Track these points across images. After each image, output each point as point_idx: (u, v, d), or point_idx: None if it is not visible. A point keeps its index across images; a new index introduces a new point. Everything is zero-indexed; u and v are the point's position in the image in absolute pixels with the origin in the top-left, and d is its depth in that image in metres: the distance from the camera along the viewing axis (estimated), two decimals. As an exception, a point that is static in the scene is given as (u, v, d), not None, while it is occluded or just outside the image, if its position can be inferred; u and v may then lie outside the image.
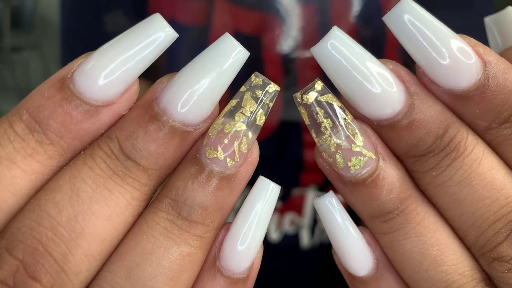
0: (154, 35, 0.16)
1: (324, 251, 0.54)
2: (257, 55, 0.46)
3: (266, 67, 0.47)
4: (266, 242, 0.54)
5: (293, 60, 0.46)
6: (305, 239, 0.54)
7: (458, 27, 0.18)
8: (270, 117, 0.47)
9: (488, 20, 0.24)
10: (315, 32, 0.47)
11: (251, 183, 0.18)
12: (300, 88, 0.51)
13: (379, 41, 0.48)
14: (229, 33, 0.52)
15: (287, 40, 0.47)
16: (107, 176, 0.16)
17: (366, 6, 0.47)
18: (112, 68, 0.16)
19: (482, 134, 0.17)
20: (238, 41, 0.46)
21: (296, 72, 0.46)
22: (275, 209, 0.54)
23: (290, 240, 0.54)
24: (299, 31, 0.46)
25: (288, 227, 0.54)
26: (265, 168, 0.50)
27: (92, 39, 0.50)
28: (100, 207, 0.15)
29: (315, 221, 0.53)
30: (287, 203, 0.53)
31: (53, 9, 0.58)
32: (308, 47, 0.46)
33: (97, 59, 0.16)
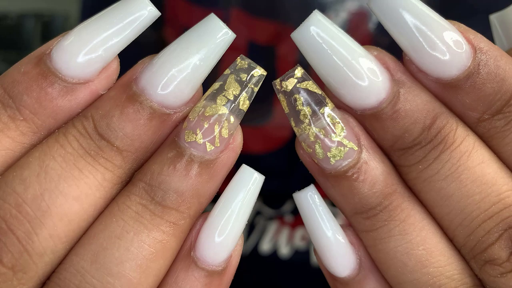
0: (136, 13, 0.15)
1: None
2: (271, 65, 0.46)
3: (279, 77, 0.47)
4: (276, 257, 0.53)
5: (308, 71, 0.46)
6: (316, 256, 0.52)
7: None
8: (283, 129, 0.47)
9: (493, 17, 0.23)
10: None
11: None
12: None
13: (396, 50, 0.47)
14: (244, 43, 0.51)
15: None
16: (78, 154, 0.15)
17: None
18: (91, 46, 0.15)
19: (474, 127, 0.16)
20: (253, 51, 0.46)
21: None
22: (287, 224, 0.53)
23: (301, 256, 0.52)
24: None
25: (299, 243, 0.53)
26: (276, 180, 0.49)
27: None
28: (69, 186, 0.15)
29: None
30: (299, 217, 0.52)
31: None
32: None
33: (76, 35, 0.15)
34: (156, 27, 0.51)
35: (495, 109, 0.15)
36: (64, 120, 0.16)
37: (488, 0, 0.48)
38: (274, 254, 0.53)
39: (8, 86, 0.15)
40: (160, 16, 0.16)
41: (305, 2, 0.46)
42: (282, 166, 0.49)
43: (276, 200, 0.54)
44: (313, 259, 0.52)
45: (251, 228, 0.53)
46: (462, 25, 0.16)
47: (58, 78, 0.15)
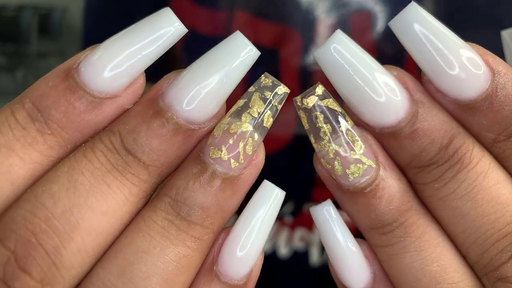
0: (163, 29, 0.16)
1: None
2: (274, 68, 0.46)
3: (282, 80, 0.47)
4: (275, 257, 0.53)
5: (310, 74, 0.46)
6: (315, 257, 0.53)
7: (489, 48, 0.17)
8: (284, 130, 0.47)
9: (505, 34, 0.23)
10: None
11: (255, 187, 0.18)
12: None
13: (399, 58, 0.47)
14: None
15: (306, 54, 0.46)
16: (106, 170, 0.15)
17: (386, 22, 0.47)
18: (118, 61, 0.15)
19: (489, 147, 0.16)
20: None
21: (313, 83, 0.46)
22: (286, 224, 0.53)
23: (300, 257, 0.53)
24: (318, 46, 0.46)
25: (298, 243, 0.53)
26: (277, 181, 0.50)
27: None
28: (97, 201, 0.15)
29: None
30: (298, 218, 0.52)
31: (80, 18, 0.59)
32: None
33: (104, 50, 0.16)
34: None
35: (511, 131, 0.16)
36: (90, 134, 0.16)
37: (490, 8, 0.49)
38: (273, 254, 0.53)
39: (37, 100, 0.15)
40: None
41: (308, 6, 0.46)
42: (284, 167, 0.49)
43: None
44: (312, 259, 0.53)
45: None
46: (480, 47, 0.16)
47: (86, 93, 0.15)
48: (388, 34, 0.47)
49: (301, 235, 0.52)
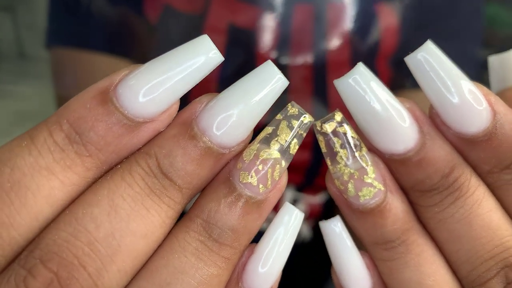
0: (200, 57, 0.16)
1: (296, 250, 0.56)
2: (251, 49, 0.47)
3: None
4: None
5: (285, 65, 0.47)
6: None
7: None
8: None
9: (493, 58, 0.25)
10: (309, 38, 0.47)
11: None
12: (291, 94, 0.51)
13: (372, 52, 0.49)
14: (224, 26, 0.51)
15: (281, 41, 0.47)
16: (145, 194, 0.16)
17: (362, 15, 0.48)
18: (156, 86, 0.16)
19: (483, 177, 0.18)
20: (233, 34, 0.46)
21: (287, 77, 0.46)
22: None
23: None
24: (294, 34, 0.47)
25: (264, 224, 0.55)
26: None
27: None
28: (137, 225, 0.16)
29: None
30: None
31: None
32: (301, 52, 0.47)
33: (142, 74, 0.16)
34: (136, 1, 0.50)
35: (505, 165, 0.18)
36: (125, 156, 0.16)
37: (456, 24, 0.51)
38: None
39: (75, 122, 0.15)
40: None
41: None
42: None
43: None
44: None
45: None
46: (484, 87, 0.18)
47: (124, 117, 0.16)
48: (363, 27, 0.48)
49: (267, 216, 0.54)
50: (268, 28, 0.47)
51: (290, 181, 0.52)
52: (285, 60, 0.47)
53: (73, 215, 0.15)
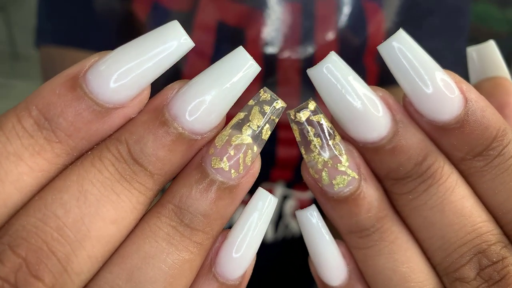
0: (170, 42, 0.16)
1: (286, 245, 0.56)
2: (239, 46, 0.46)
3: None
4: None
5: (274, 59, 0.47)
6: (269, 233, 0.55)
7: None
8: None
9: (471, 50, 0.25)
10: (298, 34, 0.47)
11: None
12: (280, 88, 0.51)
13: (360, 48, 0.49)
14: (213, 23, 0.51)
15: (270, 38, 0.47)
16: (115, 179, 0.16)
17: (351, 12, 0.48)
18: (126, 72, 0.16)
19: (456, 164, 0.19)
20: (222, 31, 0.46)
21: (277, 72, 0.47)
22: (244, 202, 0.55)
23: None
24: (282, 31, 0.47)
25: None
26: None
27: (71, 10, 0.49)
28: (107, 211, 0.16)
29: (280, 216, 0.55)
30: None
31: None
32: (290, 48, 0.47)
33: (112, 60, 0.16)
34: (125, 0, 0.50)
35: (477, 152, 0.18)
36: (96, 142, 0.16)
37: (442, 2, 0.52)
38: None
39: (44, 107, 0.15)
40: None
41: None
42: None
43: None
44: (266, 236, 0.55)
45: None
46: (456, 75, 0.18)
47: (93, 103, 0.16)
48: (351, 25, 0.49)
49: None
50: (257, 25, 0.47)
51: (280, 178, 0.52)
52: (274, 54, 0.47)
53: (42, 201, 0.15)
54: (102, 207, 0.15)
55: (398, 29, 0.18)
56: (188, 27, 0.47)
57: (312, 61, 0.47)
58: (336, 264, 0.20)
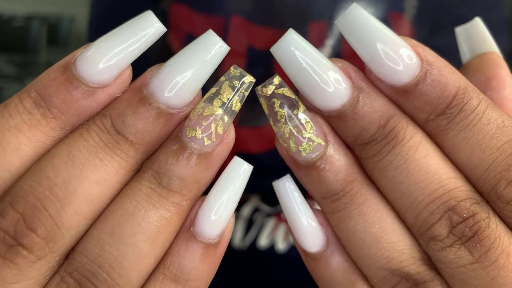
0: (146, 29, 0.19)
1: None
2: (269, 69, 0.49)
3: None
4: (274, 252, 0.55)
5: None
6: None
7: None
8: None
9: (459, 30, 0.26)
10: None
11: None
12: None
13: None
14: (244, 49, 0.54)
15: None
16: (99, 147, 0.18)
17: None
18: (108, 56, 0.18)
19: (423, 126, 0.19)
20: (253, 56, 0.49)
21: None
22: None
23: (297, 251, 0.55)
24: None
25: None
26: (273, 178, 0.52)
27: None
28: (91, 172, 0.18)
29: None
30: None
31: (87, 27, 0.62)
32: None
33: (96, 47, 0.19)
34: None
35: (439, 111, 0.18)
36: (86, 118, 0.19)
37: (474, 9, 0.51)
38: (271, 248, 0.56)
39: (40, 89, 0.18)
40: (165, 24, 0.19)
41: (299, 11, 0.49)
42: (279, 165, 0.52)
43: (273, 198, 0.57)
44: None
45: (250, 224, 0.56)
46: (412, 40, 0.19)
47: (81, 83, 0.18)
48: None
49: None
50: None
51: None
52: None
53: (37, 166, 0.18)
54: (86, 169, 0.18)
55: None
56: None
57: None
58: (313, 231, 0.20)
